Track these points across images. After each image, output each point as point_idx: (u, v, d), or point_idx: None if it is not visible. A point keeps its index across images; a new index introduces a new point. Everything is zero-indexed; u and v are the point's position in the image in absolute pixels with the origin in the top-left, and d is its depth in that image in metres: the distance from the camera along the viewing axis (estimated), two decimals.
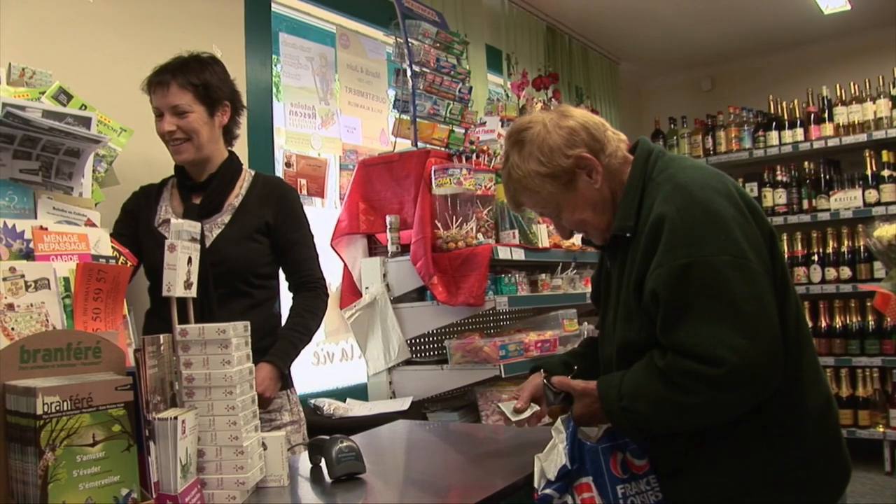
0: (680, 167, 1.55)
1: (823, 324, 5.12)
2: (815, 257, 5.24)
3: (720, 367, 1.34)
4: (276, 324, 2.24)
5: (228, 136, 2.26)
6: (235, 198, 2.21)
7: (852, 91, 5.27)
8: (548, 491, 1.50)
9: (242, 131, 2.34)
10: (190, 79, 2.10)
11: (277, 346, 2.13)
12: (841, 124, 5.26)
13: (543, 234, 3.30)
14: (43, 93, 1.71)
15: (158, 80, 2.09)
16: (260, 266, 2.19)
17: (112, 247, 1.65)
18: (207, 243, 2.10)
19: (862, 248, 4.97)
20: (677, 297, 1.40)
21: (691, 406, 1.40)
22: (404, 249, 3.04)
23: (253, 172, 2.30)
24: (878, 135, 5.09)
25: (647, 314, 1.47)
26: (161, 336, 1.42)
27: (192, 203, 2.16)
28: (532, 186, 1.58)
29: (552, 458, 1.53)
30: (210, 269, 2.06)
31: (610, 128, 1.63)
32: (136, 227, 2.18)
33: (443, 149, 3.24)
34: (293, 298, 2.29)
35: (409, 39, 3.20)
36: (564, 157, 1.55)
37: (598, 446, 1.51)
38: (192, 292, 1.54)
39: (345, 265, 3.21)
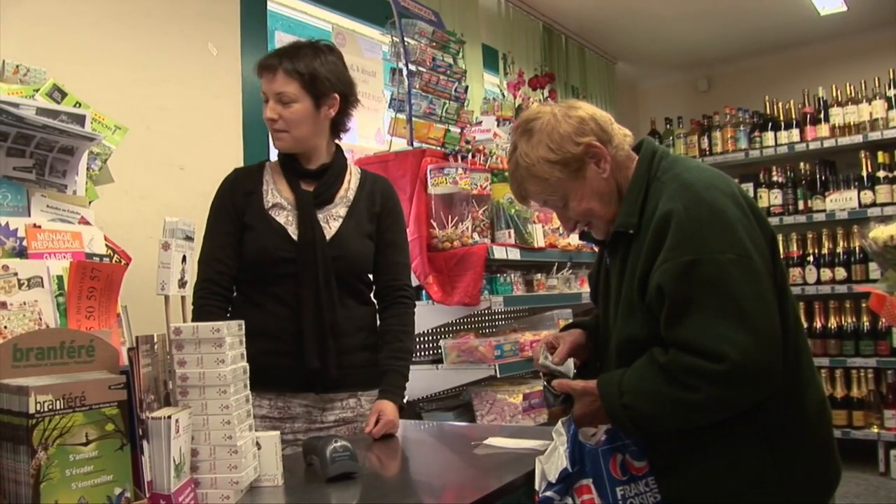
0: (685, 167, 1.56)
1: (818, 324, 5.13)
2: (811, 258, 5.25)
3: (721, 363, 1.35)
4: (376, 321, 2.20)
5: (337, 128, 2.15)
6: (346, 192, 2.13)
7: (848, 92, 5.28)
8: (549, 493, 1.50)
9: (237, 128, 2.33)
10: (297, 66, 1.98)
11: (391, 381, 2.08)
12: (837, 125, 5.27)
13: (539, 233, 3.29)
14: (37, 90, 1.70)
15: (266, 65, 2.01)
16: (371, 264, 2.15)
17: (106, 245, 1.64)
18: (327, 235, 2.04)
19: (857, 249, 4.99)
20: (682, 292, 1.41)
21: (691, 402, 1.40)
22: None
23: (359, 169, 2.22)
24: (874, 136, 5.10)
25: (650, 310, 1.48)
26: (154, 335, 1.41)
27: (305, 190, 2.07)
28: (540, 174, 1.57)
29: (553, 461, 1.53)
30: (331, 263, 2.01)
31: (615, 122, 1.64)
32: (241, 219, 2.05)
33: (438, 148, 3.23)
34: (384, 311, 2.18)
35: (406, 38, 3.19)
36: (574, 144, 1.55)
37: (597, 448, 1.51)
38: (186, 291, 1.53)
39: None
